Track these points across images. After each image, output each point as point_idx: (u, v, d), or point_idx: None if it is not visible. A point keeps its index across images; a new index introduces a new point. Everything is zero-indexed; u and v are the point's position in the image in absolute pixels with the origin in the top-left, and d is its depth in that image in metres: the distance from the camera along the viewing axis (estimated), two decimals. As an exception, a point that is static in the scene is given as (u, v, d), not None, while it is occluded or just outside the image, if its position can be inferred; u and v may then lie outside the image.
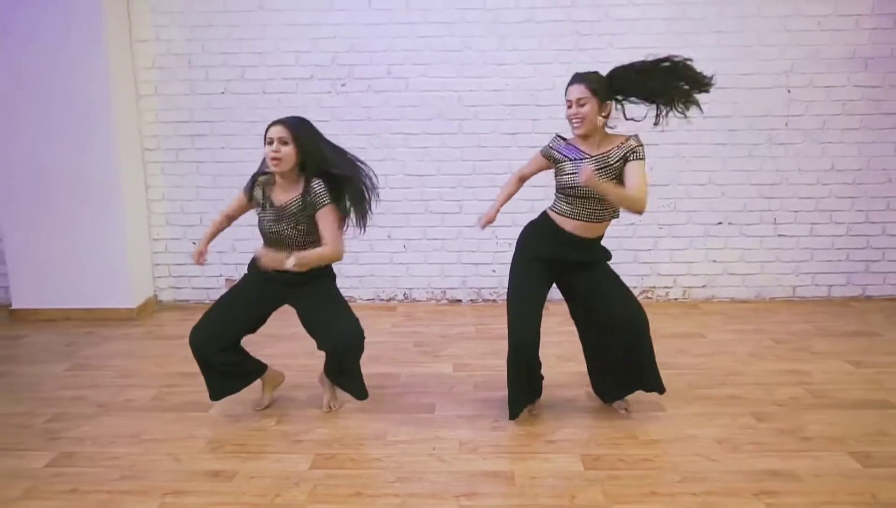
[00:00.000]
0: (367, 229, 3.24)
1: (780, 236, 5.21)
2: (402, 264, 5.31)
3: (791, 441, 2.99)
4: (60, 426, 3.22)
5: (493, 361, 4.06)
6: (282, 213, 3.07)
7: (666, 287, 5.29)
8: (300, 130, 3.02)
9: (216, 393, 3.29)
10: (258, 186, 3.16)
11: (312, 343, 3.23)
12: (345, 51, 5.03)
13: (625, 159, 2.97)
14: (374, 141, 5.12)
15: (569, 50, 5.01)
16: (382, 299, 5.35)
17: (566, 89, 3.03)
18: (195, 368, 3.89)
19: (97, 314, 4.96)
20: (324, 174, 3.07)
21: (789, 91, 5.03)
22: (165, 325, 4.88)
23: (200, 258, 3.28)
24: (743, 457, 2.86)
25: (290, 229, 3.06)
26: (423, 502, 2.56)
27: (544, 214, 3.25)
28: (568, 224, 3.10)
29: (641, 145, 2.99)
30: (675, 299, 5.30)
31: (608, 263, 3.23)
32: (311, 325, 3.18)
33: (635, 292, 5.15)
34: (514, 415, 3.17)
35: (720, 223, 5.20)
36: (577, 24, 4.98)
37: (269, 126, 3.03)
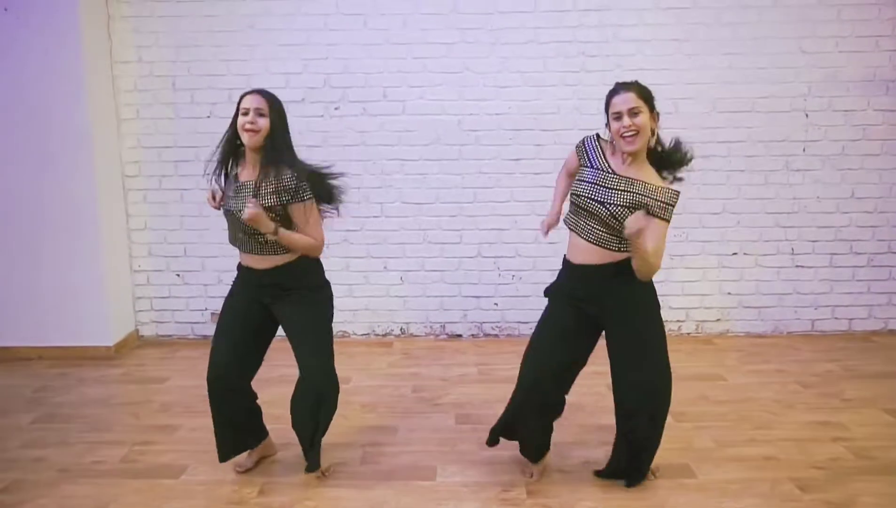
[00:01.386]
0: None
1: (797, 267, 4.83)
2: (399, 297, 4.89)
3: (844, 518, 2.57)
4: (13, 500, 2.76)
5: (499, 409, 3.59)
6: (241, 190, 2.75)
7: (678, 321, 4.89)
8: (277, 106, 2.75)
9: (227, 450, 2.92)
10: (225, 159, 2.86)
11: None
12: (338, 72, 4.65)
13: (653, 209, 2.52)
14: (370, 167, 4.71)
15: (575, 72, 4.63)
16: (378, 335, 4.92)
17: (608, 102, 2.64)
18: (172, 420, 3.53)
19: (72, 353, 4.52)
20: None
21: (807, 115, 4.67)
22: (146, 364, 4.43)
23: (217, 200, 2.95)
24: (792, 540, 2.44)
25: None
26: None
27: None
28: (574, 245, 2.72)
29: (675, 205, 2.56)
30: (688, 333, 4.90)
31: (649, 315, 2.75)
32: (293, 347, 2.86)
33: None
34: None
35: (735, 254, 4.82)
36: (583, 45, 4.61)
37: (246, 95, 2.74)
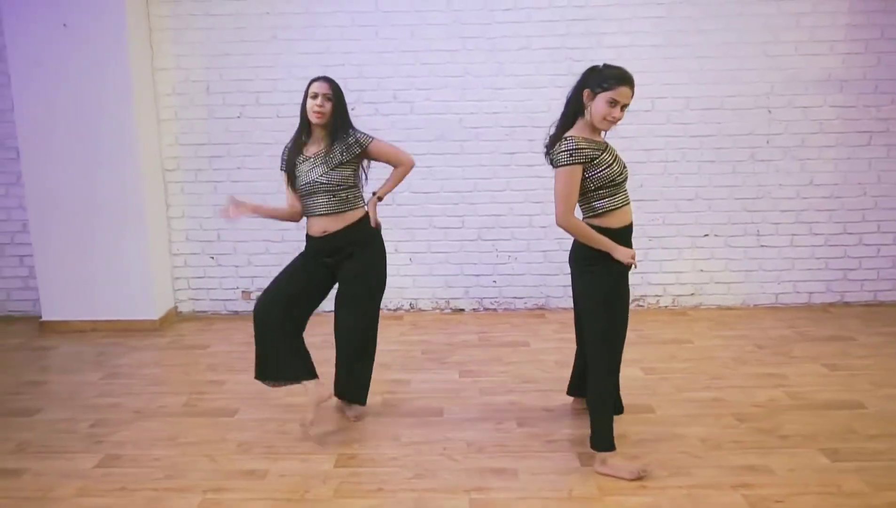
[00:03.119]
0: None
1: (762, 246, 5.48)
2: (409, 275, 5.57)
3: (768, 440, 3.26)
4: (103, 431, 3.48)
5: (496, 367, 4.32)
6: (316, 160, 3.29)
7: (656, 296, 5.56)
8: (340, 92, 3.29)
9: (263, 371, 3.35)
10: (287, 153, 3.43)
11: (332, 352, 3.50)
12: (354, 77, 5.28)
13: None
14: (382, 161, 5.36)
15: (563, 75, 5.24)
16: (390, 309, 5.61)
17: (617, 89, 2.82)
18: (219, 377, 4.21)
19: (122, 325, 5.21)
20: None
21: (770, 112, 5.30)
22: (186, 335, 5.13)
23: (233, 211, 3.31)
24: (724, 454, 3.13)
25: (323, 176, 3.26)
26: (438, 496, 2.82)
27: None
28: (627, 214, 2.99)
29: None
30: (665, 306, 5.57)
31: None
32: (338, 301, 3.46)
33: (627, 301, 5.46)
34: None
35: (706, 235, 5.47)
36: (570, 51, 5.25)
37: (314, 81, 3.26)
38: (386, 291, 5.47)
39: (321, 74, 3.39)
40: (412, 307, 5.62)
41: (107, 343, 4.93)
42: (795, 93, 5.28)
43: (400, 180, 3.48)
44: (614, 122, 2.86)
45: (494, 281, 5.57)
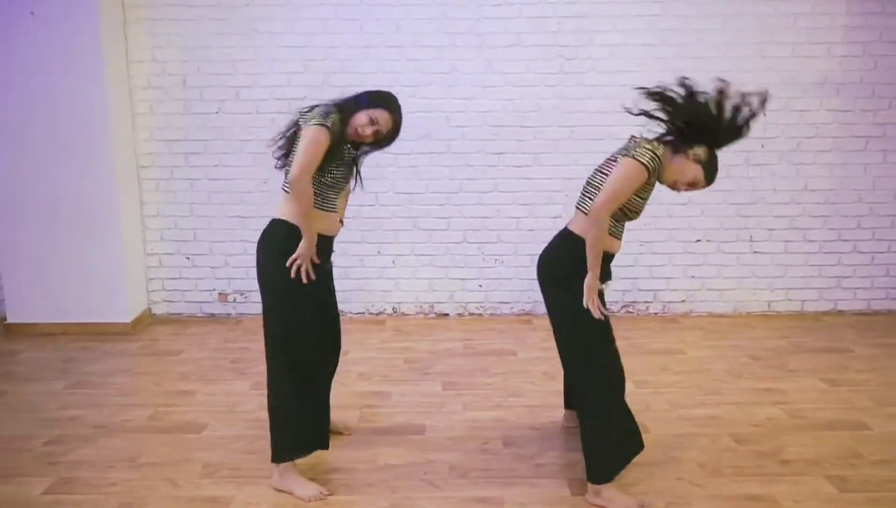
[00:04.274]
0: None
1: (755, 252, 5.24)
2: (392, 278, 5.29)
3: (770, 465, 3.00)
4: (59, 450, 3.17)
5: (481, 379, 4.04)
6: (355, 160, 2.95)
7: (646, 302, 5.30)
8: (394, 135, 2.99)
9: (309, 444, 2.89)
10: (336, 121, 2.71)
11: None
12: (337, 72, 4.99)
13: None
14: (366, 160, 5.04)
15: (554, 73, 5.00)
16: (372, 313, 5.32)
17: (692, 150, 2.70)
18: (190, 387, 3.95)
19: (93, 328, 4.89)
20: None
21: (765, 115, 5.00)
22: (160, 339, 4.82)
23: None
24: (724, 482, 2.87)
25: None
26: (417, 531, 2.54)
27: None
28: (618, 246, 2.82)
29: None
30: (655, 313, 5.32)
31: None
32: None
33: (615, 307, 5.22)
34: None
35: (699, 241, 5.22)
36: (562, 49, 4.98)
37: (390, 112, 2.85)
38: (368, 294, 5.31)
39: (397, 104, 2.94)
40: (395, 312, 5.34)
41: (75, 348, 4.61)
42: (792, 96, 5.03)
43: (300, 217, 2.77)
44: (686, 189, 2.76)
45: (480, 285, 5.29)
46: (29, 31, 4.56)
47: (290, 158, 2.77)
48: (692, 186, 2.73)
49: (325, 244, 2.83)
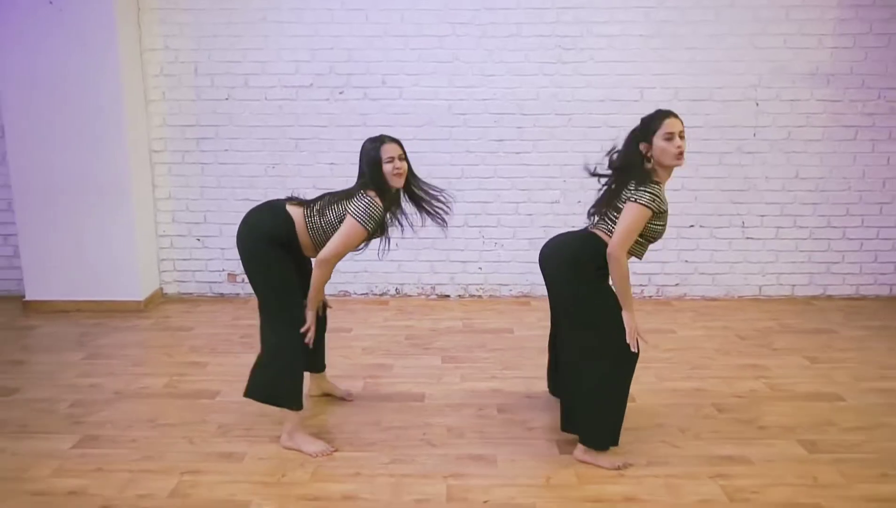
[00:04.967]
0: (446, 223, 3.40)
1: (747, 238, 5.47)
2: (395, 261, 5.52)
3: (747, 430, 3.24)
4: (82, 412, 3.42)
5: (479, 353, 4.29)
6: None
7: (641, 285, 5.53)
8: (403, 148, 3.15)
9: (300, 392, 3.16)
10: (379, 215, 3.04)
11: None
12: (343, 61, 5.23)
13: None
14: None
15: (552, 63, 5.22)
16: (375, 294, 5.57)
17: (659, 123, 2.85)
18: (201, 359, 4.18)
19: (106, 306, 5.14)
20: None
21: (757, 104, 5.27)
22: (171, 317, 5.07)
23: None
24: (703, 444, 3.11)
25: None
26: (416, 481, 2.79)
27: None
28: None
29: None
30: (650, 296, 5.55)
31: None
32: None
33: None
34: None
35: (692, 226, 5.45)
36: (560, 39, 5.20)
37: (384, 143, 3.04)
38: (372, 276, 5.55)
39: (384, 136, 3.13)
40: (398, 293, 5.58)
41: (90, 324, 4.86)
42: (783, 86, 5.25)
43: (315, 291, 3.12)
44: (681, 152, 2.84)
45: (480, 268, 5.53)
46: (47, 20, 4.80)
47: (324, 206, 3.07)
48: (672, 136, 2.84)
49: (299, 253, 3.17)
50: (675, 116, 2.89)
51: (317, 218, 3.06)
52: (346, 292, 5.48)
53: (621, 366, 2.94)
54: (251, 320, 4.91)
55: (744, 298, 5.53)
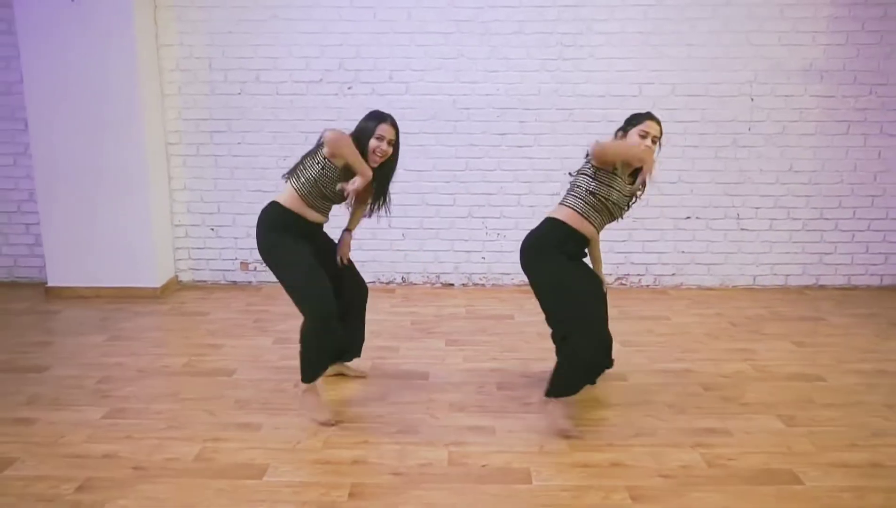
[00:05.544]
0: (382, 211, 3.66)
1: (742, 229, 5.71)
2: (401, 250, 5.80)
3: (730, 406, 3.50)
4: (108, 387, 3.71)
5: (481, 337, 4.56)
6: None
7: (638, 275, 5.79)
8: (398, 142, 3.39)
9: (321, 372, 3.39)
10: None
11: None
12: (351, 57, 5.49)
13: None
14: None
15: (553, 59, 5.47)
16: (382, 282, 5.84)
17: (645, 121, 3.27)
18: (217, 341, 4.44)
19: (125, 292, 5.43)
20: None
21: (752, 99, 5.51)
22: (187, 303, 5.36)
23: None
24: (687, 418, 3.37)
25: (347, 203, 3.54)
26: (420, 448, 3.06)
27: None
28: (589, 230, 3.32)
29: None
30: (647, 285, 5.80)
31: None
32: (335, 270, 3.58)
33: (610, 279, 5.69)
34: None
35: (688, 218, 5.70)
36: (561, 36, 5.44)
37: (385, 123, 3.28)
38: (380, 265, 5.82)
39: (384, 114, 3.35)
40: (404, 281, 5.85)
41: (110, 309, 5.15)
42: (778, 82, 5.48)
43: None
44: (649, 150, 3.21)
45: (483, 257, 5.80)
46: (68, 17, 5.07)
47: (296, 168, 3.35)
48: (647, 135, 3.26)
49: (311, 228, 3.42)
50: (658, 123, 3.28)
51: (301, 179, 3.30)
52: (354, 280, 5.74)
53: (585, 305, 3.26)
54: (263, 306, 5.24)
55: (738, 288, 5.78)
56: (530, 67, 5.50)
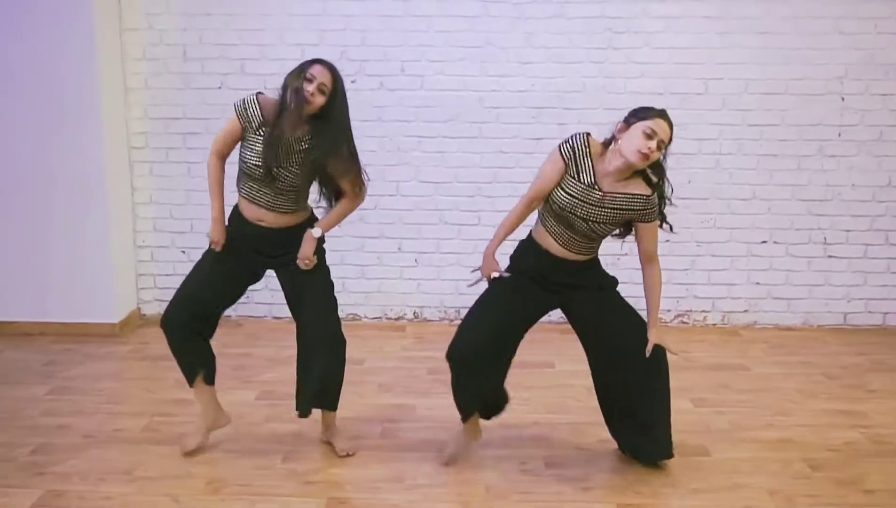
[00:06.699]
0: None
1: (830, 257, 5.33)
2: (413, 279, 5.40)
3: (851, 495, 3.05)
4: (46, 459, 3.27)
5: (516, 392, 4.07)
6: (286, 146, 3.09)
7: (703, 311, 5.39)
8: (341, 88, 3.12)
9: (194, 373, 3.36)
10: (252, 103, 3.16)
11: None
12: (355, 45, 5.13)
13: (639, 216, 3.00)
14: (386, 144, 5.19)
15: (601, 49, 5.11)
16: (390, 318, 5.42)
17: (644, 116, 2.90)
18: (187, 395, 3.96)
19: (76, 329, 5.03)
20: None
21: (843, 99, 5.15)
22: (151, 343, 4.92)
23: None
24: (798, 512, 2.91)
25: (290, 171, 3.12)
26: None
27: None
28: (546, 235, 3.15)
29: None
30: (714, 324, 5.41)
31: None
32: (296, 303, 3.34)
33: (668, 316, 5.28)
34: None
35: (764, 242, 5.31)
36: (611, 21, 5.08)
37: (316, 64, 3.11)
38: (387, 297, 5.39)
39: (321, 58, 3.19)
40: (416, 317, 5.45)
41: (57, 350, 4.75)
42: (874, 78, 5.13)
43: (344, 217, 3.38)
44: (648, 154, 2.85)
45: (513, 289, 5.37)
46: (11, -6, 4.72)
47: None
48: (653, 136, 2.87)
49: (253, 231, 3.29)
50: (670, 125, 2.91)
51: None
52: (356, 315, 5.33)
53: None
54: (244, 347, 4.87)
55: (825, 327, 5.38)
56: (573, 59, 5.14)
